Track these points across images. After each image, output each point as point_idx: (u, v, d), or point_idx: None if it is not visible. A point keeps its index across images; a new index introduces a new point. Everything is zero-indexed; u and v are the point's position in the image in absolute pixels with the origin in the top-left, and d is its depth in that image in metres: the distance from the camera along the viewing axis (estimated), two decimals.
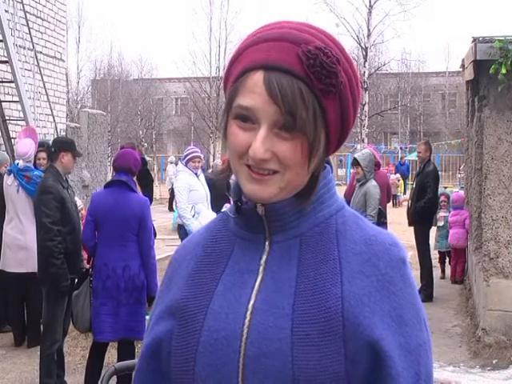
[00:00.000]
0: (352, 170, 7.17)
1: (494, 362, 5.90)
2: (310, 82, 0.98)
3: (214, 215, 7.04)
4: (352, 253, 1.04)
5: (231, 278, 1.07)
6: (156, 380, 1.12)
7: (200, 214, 7.15)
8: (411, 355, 1.00)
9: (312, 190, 1.05)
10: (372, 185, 6.77)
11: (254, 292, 1.03)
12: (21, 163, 6.32)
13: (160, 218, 15.70)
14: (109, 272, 4.70)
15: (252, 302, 1.02)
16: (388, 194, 8.32)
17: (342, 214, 1.09)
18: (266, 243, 1.07)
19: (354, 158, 7.02)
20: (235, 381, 0.99)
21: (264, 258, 1.06)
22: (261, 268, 1.05)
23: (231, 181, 1.16)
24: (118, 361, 4.63)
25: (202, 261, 1.12)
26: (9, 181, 6.30)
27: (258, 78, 0.99)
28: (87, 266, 5.12)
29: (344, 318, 0.98)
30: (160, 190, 26.85)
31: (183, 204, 7.41)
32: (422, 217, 8.23)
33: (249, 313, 1.01)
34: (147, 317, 5.09)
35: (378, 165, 8.03)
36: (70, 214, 5.10)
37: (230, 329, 1.01)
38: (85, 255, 5.67)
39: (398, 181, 23.61)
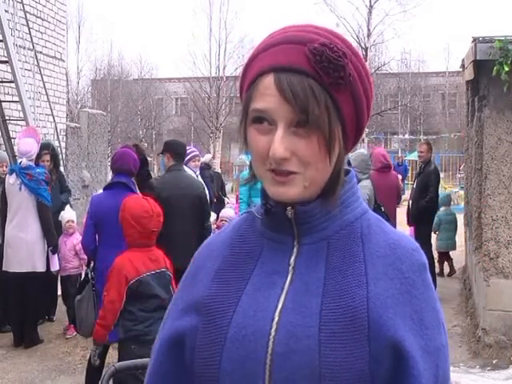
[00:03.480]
0: None
1: (494, 361, 5.91)
2: (319, 78, 1.01)
3: (213, 216, 7.03)
4: (376, 255, 1.07)
5: (260, 278, 1.09)
6: (176, 374, 1.14)
7: None
8: (431, 357, 1.03)
9: (335, 186, 1.07)
10: (364, 185, 6.61)
11: (284, 292, 1.06)
12: (24, 161, 6.33)
13: None
14: None
15: (281, 301, 1.05)
16: (398, 196, 8.31)
17: (366, 217, 1.12)
18: (295, 245, 1.10)
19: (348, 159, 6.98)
20: (261, 376, 1.02)
21: (293, 259, 1.09)
22: (290, 269, 1.08)
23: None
24: (119, 361, 4.63)
25: (229, 260, 1.14)
26: (11, 180, 6.31)
27: (269, 80, 1.02)
28: (87, 270, 5.11)
29: (369, 317, 1.01)
30: None
31: None
32: (423, 216, 8.23)
33: (277, 311, 1.04)
34: None
35: (389, 166, 8.05)
36: None
37: (259, 326, 1.04)
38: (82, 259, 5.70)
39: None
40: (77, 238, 6.51)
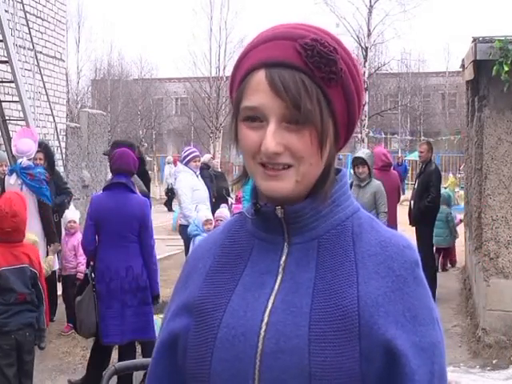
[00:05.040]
0: (352, 170, 7.21)
1: (493, 362, 5.91)
2: (311, 72, 1.01)
3: (204, 216, 7.02)
4: (367, 254, 1.07)
5: (250, 278, 1.09)
6: (170, 374, 1.14)
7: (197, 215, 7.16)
8: (425, 354, 1.02)
9: (325, 183, 1.07)
10: (379, 183, 6.99)
11: (274, 292, 1.06)
12: (24, 161, 6.32)
13: (160, 218, 15.69)
14: (112, 274, 4.70)
15: (271, 301, 1.05)
16: (398, 196, 8.45)
17: (357, 216, 1.12)
18: (285, 245, 1.09)
19: (361, 158, 7.05)
20: (251, 376, 1.01)
21: (283, 259, 1.08)
22: (280, 269, 1.08)
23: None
24: (119, 361, 4.64)
25: (220, 260, 1.14)
26: (11, 180, 6.29)
27: (260, 76, 1.02)
28: (87, 271, 5.11)
29: (360, 316, 1.01)
30: (160, 190, 26.86)
31: (189, 204, 7.42)
32: (425, 216, 8.24)
33: (267, 311, 1.04)
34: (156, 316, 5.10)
35: (390, 165, 8.21)
36: None
37: (248, 326, 1.04)
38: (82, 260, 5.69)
39: None
40: (78, 239, 6.53)
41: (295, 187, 1.04)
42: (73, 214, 6.90)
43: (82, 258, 6.46)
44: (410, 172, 27.72)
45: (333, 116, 1.04)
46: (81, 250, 6.38)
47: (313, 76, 1.01)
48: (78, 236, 6.57)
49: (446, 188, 12.82)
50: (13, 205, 4.23)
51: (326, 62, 1.01)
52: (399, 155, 30.30)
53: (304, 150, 1.02)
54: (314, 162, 1.04)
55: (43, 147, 7.01)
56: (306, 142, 1.01)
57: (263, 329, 1.03)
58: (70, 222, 6.80)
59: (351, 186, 7.21)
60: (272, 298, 1.05)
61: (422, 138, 31.77)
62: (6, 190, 6.32)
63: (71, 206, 7.14)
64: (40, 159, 6.87)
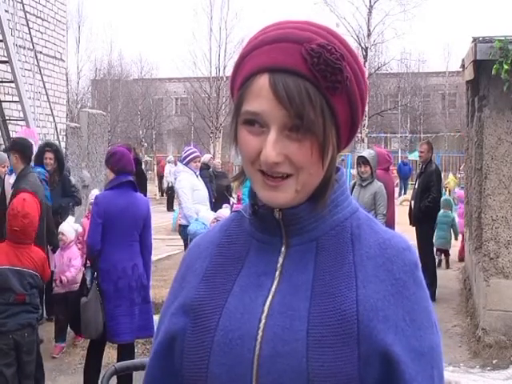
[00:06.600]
0: (354, 170, 7.26)
1: (493, 362, 5.91)
2: (316, 81, 0.98)
3: (211, 215, 7.03)
4: (366, 257, 1.05)
5: (247, 279, 1.07)
6: (166, 377, 1.13)
7: (198, 214, 7.15)
8: (425, 358, 1.02)
9: (326, 189, 1.05)
10: (380, 185, 7.02)
11: (271, 294, 1.04)
12: None
13: (160, 218, 15.68)
14: (119, 273, 4.70)
15: (268, 303, 1.03)
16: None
17: (356, 216, 1.10)
18: (283, 246, 1.08)
19: (363, 157, 7.06)
20: (249, 380, 1.00)
21: (281, 260, 1.07)
22: (277, 271, 1.06)
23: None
24: (119, 361, 4.63)
25: (217, 261, 1.12)
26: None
27: (263, 81, 0.99)
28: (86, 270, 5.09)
29: (359, 321, 0.99)
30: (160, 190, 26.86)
31: (189, 204, 7.41)
32: (426, 216, 8.25)
33: (264, 314, 1.02)
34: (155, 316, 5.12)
35: (390, 165, 8.27)
36: None
37: (245, 329, 1.02)
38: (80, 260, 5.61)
39: None
40: (74, 252, 6.16)
41: (295, 197, 1.03)
42: (65, 226, 6.29)
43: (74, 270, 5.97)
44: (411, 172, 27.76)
45: (336, 124, 1.02)
46: (73, 263, 6.04)
47: (318, 84, 0.98)
48: (74, 249, 6.19)
49: (445, 190, 12.98)
50: (26, 206, 4.23)
51: (332, 71, 0.98)
52: (405, 155, 30.30)
53: (304, 160, 0.99)
54: (314, 172, 1.01)
55: (54, 149, 7.03)
56: (306, 152, 0.99)
57: (260, 332, 1.01)
58: (59, 233, 6.22)
59: (354, 186, 7.25)
60: (269, 300, 1.03)
61: (422, 135, 31.75)
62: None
63: (70, 217, 6.68)
64: (50, 159, 6.89)
